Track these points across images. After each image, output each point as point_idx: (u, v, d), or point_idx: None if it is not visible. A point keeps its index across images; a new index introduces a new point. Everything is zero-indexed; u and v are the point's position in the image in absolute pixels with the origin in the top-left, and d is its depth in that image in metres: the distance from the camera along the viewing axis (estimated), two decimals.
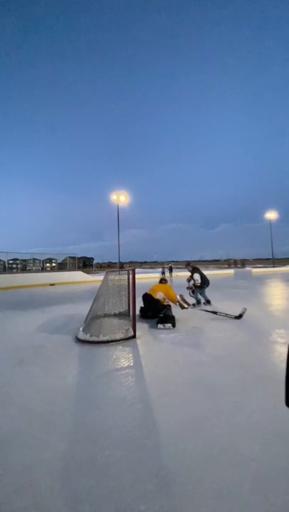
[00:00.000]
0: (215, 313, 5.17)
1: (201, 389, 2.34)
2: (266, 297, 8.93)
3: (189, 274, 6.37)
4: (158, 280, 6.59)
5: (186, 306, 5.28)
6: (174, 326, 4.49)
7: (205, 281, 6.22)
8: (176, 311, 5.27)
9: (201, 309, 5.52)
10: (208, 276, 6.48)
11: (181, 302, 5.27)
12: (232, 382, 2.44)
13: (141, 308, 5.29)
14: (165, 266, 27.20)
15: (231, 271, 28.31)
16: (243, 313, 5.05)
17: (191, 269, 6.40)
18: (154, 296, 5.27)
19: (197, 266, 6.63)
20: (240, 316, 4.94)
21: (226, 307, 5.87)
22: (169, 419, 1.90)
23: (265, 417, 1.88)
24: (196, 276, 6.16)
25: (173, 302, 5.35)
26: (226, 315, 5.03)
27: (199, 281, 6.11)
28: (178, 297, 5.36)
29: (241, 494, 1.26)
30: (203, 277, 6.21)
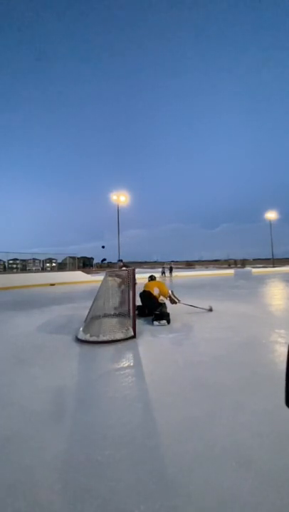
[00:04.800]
0: (192, 306, 5.83)
1: (201, 389, 2.34)
2: (266, 297, 8.93)
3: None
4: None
5: (176, 301, 5.61)
6: (168, 322, 4.70)
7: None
8: (170, 308, 5.31)
9: (185, 304, 5.84)
10: (208, 276, 6.59)
11: (173, 297, 5.60)
12: (232, 382, 2.44)
13: (138, 306, 5.32)
14: (165, 266, 27.22)
15: (231, 271, 28.33)
16: (211, 308, 5.82)
17: (122, 264, 6.78)
18: (152, 292, 5.43)
19: (129, 265, 6.92)
20: (211, 310, 5.75)
21: (225, 307, 6.03)
22: (169, 419, 1.90)
23: (266, 417, 1.88)
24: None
25: (165, 297, 5.64)
26: (202, 308, 5.78)
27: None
28: (169, 292, 5.67)
29: (242, 494, 1.26)
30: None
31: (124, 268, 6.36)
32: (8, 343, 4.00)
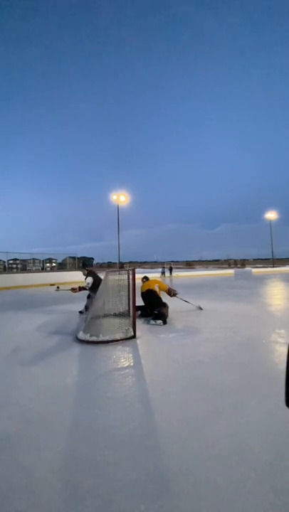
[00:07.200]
0: (186, 301, 6.04)
1: (201, 389, 2.33)
2: (266, 297, 8.92)
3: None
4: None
5: (176, 292, 5.86)
6: (164, 323, 4.79)
7: (97, 286, 5.02)
8: (169, 308, 5.28)
9: (181, 298, 5.99)
10: (208, 276, 6.60)
11: (172, 289, 5.86)
12: (232, 382, 2.43)
13: (140, 307, 5.35)
14: (165, 266, 27.23)
15: (231, 271, 28.32)
16: (200, 307, 6.05)
17: (86, 272, 5.73)
18: (154, 289, 5.52)
19: (94, 271, 5.98)
20: (200, 308, 5.98)
21: (225, 307, 6.10)
22: (169, 419, 1.90)
23: (265, 417, 1.88)
24: (89, 279, 5.38)
25: (165, 290, 5.80)
26: (193, 305, 6.06)
27: (90, 284, 5.31)
28: (168, 286, 5.94)
29: (241, 494, 1.25)
30: (96, 282, 5.32)
31: (87, 274, 5.53)
32: (8, 342, 3.99)
